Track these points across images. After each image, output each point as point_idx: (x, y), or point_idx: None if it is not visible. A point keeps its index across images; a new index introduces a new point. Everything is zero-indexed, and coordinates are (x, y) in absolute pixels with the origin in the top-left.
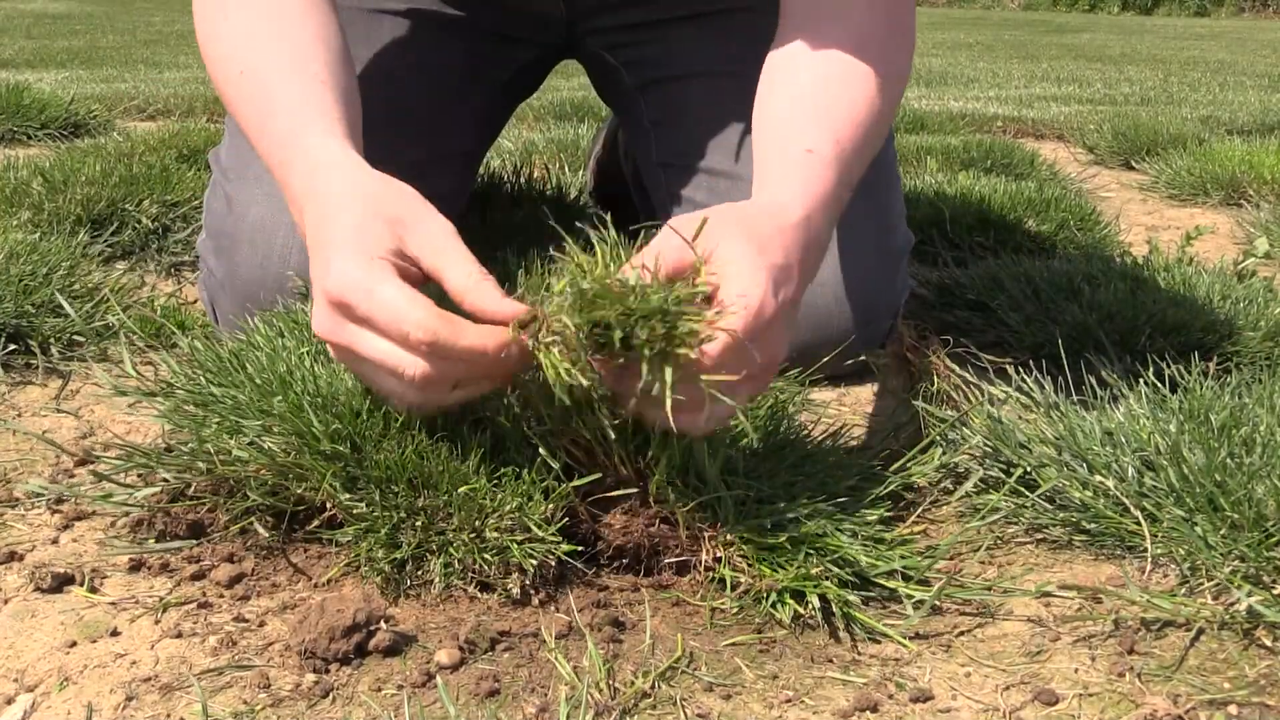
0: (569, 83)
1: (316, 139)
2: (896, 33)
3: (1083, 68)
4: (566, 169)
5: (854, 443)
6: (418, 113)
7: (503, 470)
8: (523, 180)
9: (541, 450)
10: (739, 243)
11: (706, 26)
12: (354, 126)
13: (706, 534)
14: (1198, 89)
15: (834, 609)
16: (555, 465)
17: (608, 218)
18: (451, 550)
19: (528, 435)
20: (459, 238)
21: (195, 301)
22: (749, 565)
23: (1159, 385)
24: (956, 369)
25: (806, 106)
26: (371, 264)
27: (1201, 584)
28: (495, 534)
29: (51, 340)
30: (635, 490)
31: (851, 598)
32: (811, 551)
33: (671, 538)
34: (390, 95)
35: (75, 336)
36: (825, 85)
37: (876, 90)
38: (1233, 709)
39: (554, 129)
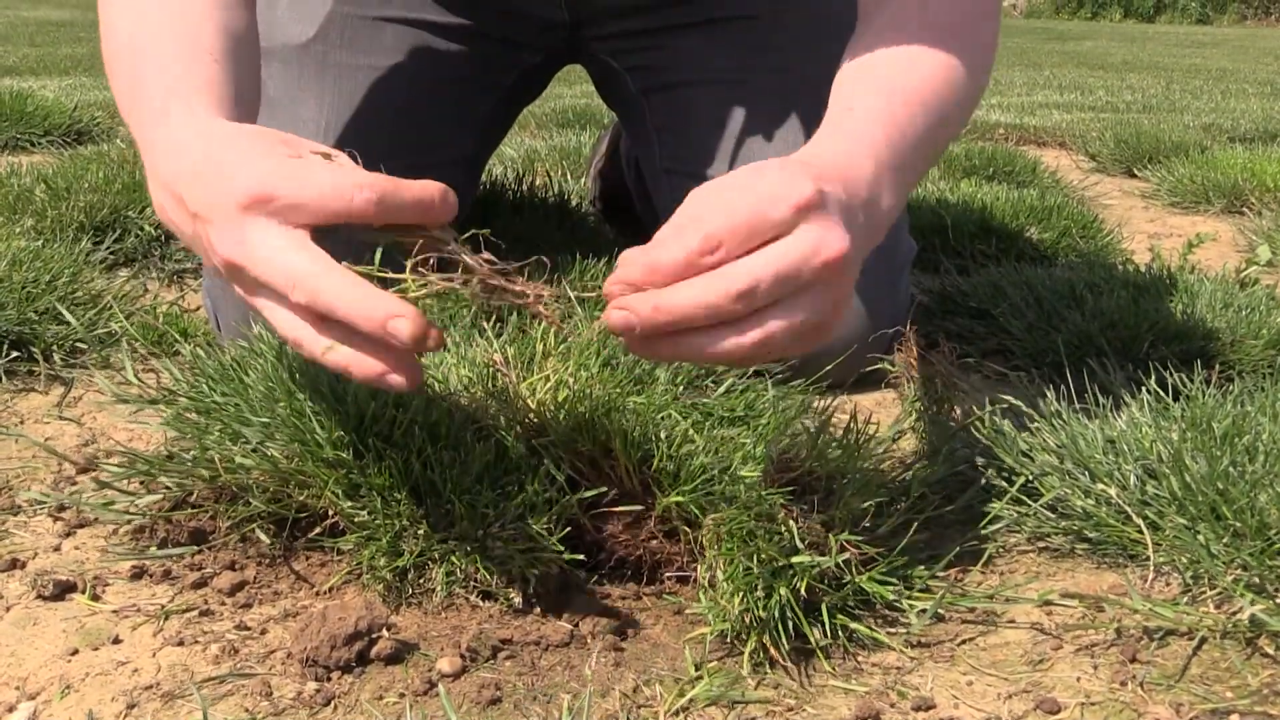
0: (571, 90)
1: (183, 110)
2: (977, 19)
3: (1085, 75)
4: (569, 176)
5: (857, 451)
6: (419, 118)
7: (505, 480)
8: (525, 187)
9: (546, 461)
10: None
11: (710, 34)
12: (230, 100)
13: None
14: (1200, 96)
15: (836, 619)
16: (559, 477)
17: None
18: (454, 559)
19: (532, 446)
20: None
21: (198, 308)
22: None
23: (1161, 393)
24: (960, 377)
25: (866, 79)
26: None
27: (1204, 592)
28: (497, 543)
29: (54, 347)
30: (639, 507)
31: (853, 606)
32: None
33: (674, 551)
34: (392, 100)
35: (78, 344)
36: (888, 61)
37: (946, 71)
38: (1235, 718)
39: (556, 136)
